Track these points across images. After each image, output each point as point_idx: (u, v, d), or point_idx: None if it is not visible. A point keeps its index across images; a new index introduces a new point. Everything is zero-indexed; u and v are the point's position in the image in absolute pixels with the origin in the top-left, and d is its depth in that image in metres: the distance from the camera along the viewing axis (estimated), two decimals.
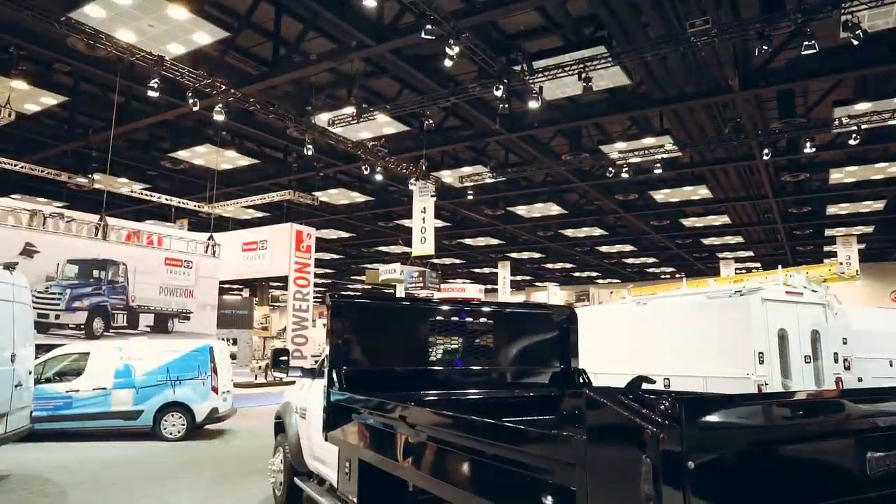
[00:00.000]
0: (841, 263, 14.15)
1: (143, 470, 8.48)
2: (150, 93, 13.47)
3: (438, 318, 5.42)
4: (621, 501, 1.92)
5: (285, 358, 6.05)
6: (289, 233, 21.26)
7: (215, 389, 11.01)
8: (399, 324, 5.33)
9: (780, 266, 13.93)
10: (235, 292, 36.57)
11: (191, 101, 14.03)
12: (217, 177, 22.73)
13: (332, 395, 4.70)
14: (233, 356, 26.36)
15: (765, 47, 10.68)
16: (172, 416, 10.80)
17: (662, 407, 1.85)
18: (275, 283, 33.56)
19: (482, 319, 5.58)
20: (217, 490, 7.39)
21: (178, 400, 10.79)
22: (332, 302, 5.04)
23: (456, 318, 5.48)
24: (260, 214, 28.35)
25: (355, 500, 4.33)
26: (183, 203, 22.33)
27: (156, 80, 13.36)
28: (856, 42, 10.13)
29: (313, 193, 23.22)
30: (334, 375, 4.74)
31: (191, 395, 10.86)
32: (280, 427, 6.88)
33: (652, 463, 1.81)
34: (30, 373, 8.08)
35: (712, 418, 1.98)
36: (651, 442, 1.83)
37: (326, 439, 4.74)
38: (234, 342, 29.02)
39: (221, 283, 25.40)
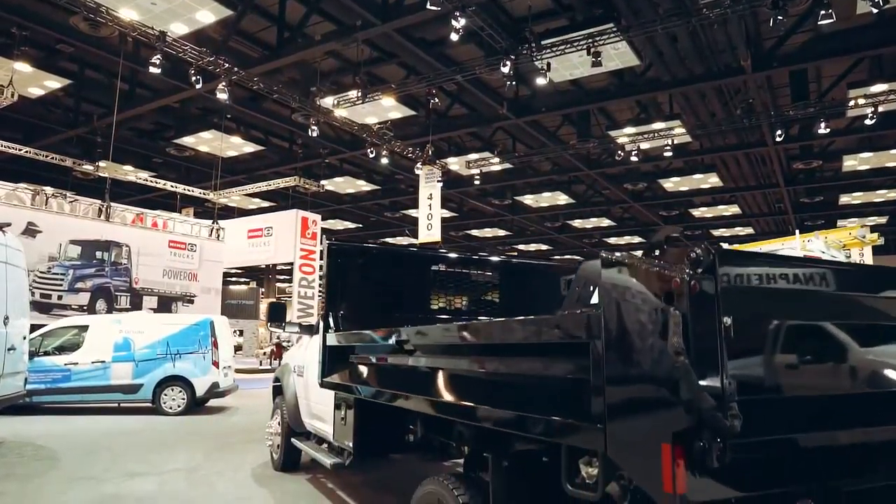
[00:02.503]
0: (863, 226, 13.75)
1: (139, 439, 8.29)
2: (153, 69, 13.31)
3: (441, 267, 5.19)
4: (644, 363, 1.66)
5: (283, 313, 5.85)
6: (294, 219, 21.09)
7: (216, 364, 10.81)
8: (399, 271, 5.11)
9: (797, 231, 13.62)
10: (242, 283, 36.48)
11: (193, 78, 13.82)
12: (222, 164, 22.59)
13: (329, 339, 4.48)
14: (239, 347, 26.26)
15: (779, 17, 10.35)
16: (172, 390, 10.60)
17: (694, 255, 1.60)
18: (281, 277, 33.42)
19: (486, 272, 5.35)
20: (213, 456, 7.19)
21: (178, 374, 10.60)
22: (329, 246, 4.84)
23: (459, 269, 5.26)
24: (265, 204, 28.23)
25: (351, 444, 4.11)
26: (188, 190, 22.19)
27: (158, 56, 13.19)
28: (875, 10, 9.79)
29: (320, 182, 23.04)
30: (330, 318, 4.52)
31: (191, 370, 10.66)
32: (278, 390, 6.67)
33: (682, 315, 1.56)
34: (24, 338, 7.90)
35: (753, 273, 1.72)
36: (680, 291, 1.58)
37: (322, 385, 4.51)
38: (241, 333, 28.89)
39: (227, 272, 25.29)
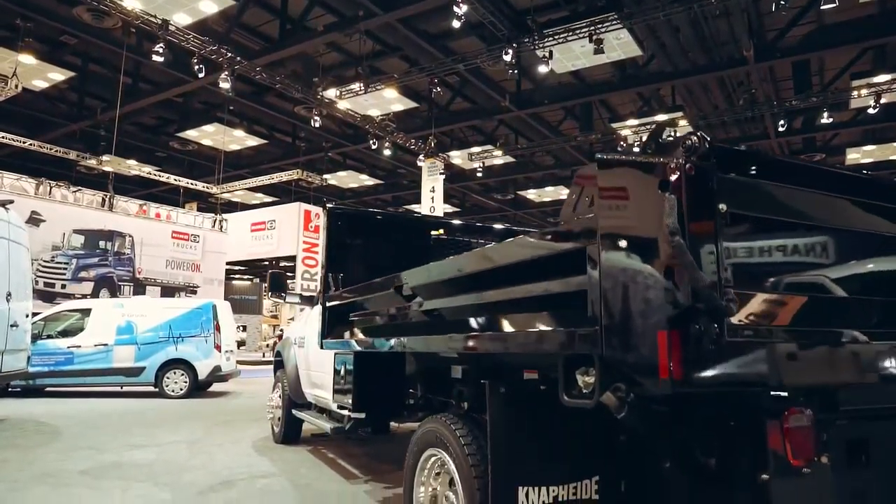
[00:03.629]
0: None
1: (141, 418, 8.31)
2: (156, 58, 13.34)
3: (441, 233, 5.19)
4: (640, 250, 1.65)
5: (283, 282, 5.86)
6: (297, 212, 21.11)
7: (218, 347, 10.83)
8: (399, 236, 5.11)
9: None
10: (245, 280, 36.50)
11: (196, 67, 13.85)
12: (225, 159, 22.63)
13: (328, 300, 4.48)
14: (242, 342, 26.28)
15: (782, 1, 10.33)
16: (175, 373, 10.62)
17: (689, 142, 1.59)
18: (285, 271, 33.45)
19: (488, 239, 5.35)
20: (214, 431, 7.20)
21: (180, 357, 10.62)
22: (329, 209, 4.85)
23: (460, 236, 5.26)
24: (268, 199, 28.27)
25: (350, 402, 4.11)
26: (191, 184, 22.23)
27: (161, 45, 13.22)
28: None
29: (322, 176, 23.07)
30: (330, 279, 4.53)
31: (193, 353, 10.68)
32: (279, 364, 6.68)
33: (676, 199, 1.55)
34: (27, 316, 7.91)
35: (750, 167, 1.72)
36: (675, 176, 1.57)
37: (322, 346, 4.52)
38: (244, 329, 28.91)
39: (230, 269, 25.29)
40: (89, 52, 17.05)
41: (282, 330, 23.32)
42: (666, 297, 1.57)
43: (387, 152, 19.14)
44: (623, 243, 1.70)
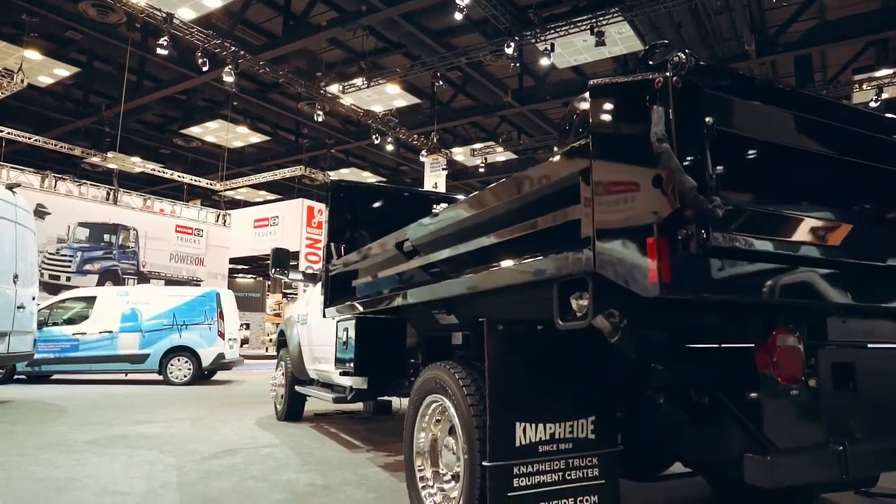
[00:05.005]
0: None
1: (146, 400, 8.39)
2: (160, 50, 13.47)
3: (444, 207, 5.25)
4: (629, 161, 1.72)
5: (287, 259, 5.93)
6: (300, 208, 21.21)
7: (222, 335, 10.92)
8: (401, 210, 5.17)
9: None
10: (249, 278, 36.61)
11: (200, 61, 13.97)
12: (228, 156, 22.76)
13: (331, 270, 4.56)
14: (245, 340, 26.36)
15: None
16: (179, 360, 10.71)
17: (676, 59, 1.66)
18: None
19: None
20: (218, 410, 7.28)
21: (184, 344, 10.72)
22: (332, 183, 4.95)
23: None
24: (272, 197, 28.40)
25: (353, 367, 4.17)
26: (195, 180, 22.36)
27: (165, 38, 13.35)
28: None
29: (325, 172, 23.18)
30: (332, 249, 4.61)
31: (197, 340, 10.77)
32: (282, 343, 6.75)
33: (664, 110, 1.62)
34: (33, 298, 8.00)
35: (736, 86, 1.79)
36: (662, 89, 1.64)
37: (325, 315, 4.59)
38: (247, 326, 28.97)
39: (234, 268, 25.37)
40: (94, 48, 17.19)
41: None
42: (655, 205, 1.64)
43: (389, 147, 19.24)
44: (615, 159, 1.77)
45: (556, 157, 2.08)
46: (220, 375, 11.87)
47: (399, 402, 6.10)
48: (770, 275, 1.80)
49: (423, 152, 19.51)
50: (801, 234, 1.83)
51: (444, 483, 2.87)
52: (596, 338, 2.45)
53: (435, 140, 19.33)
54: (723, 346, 2.22)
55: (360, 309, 3.90)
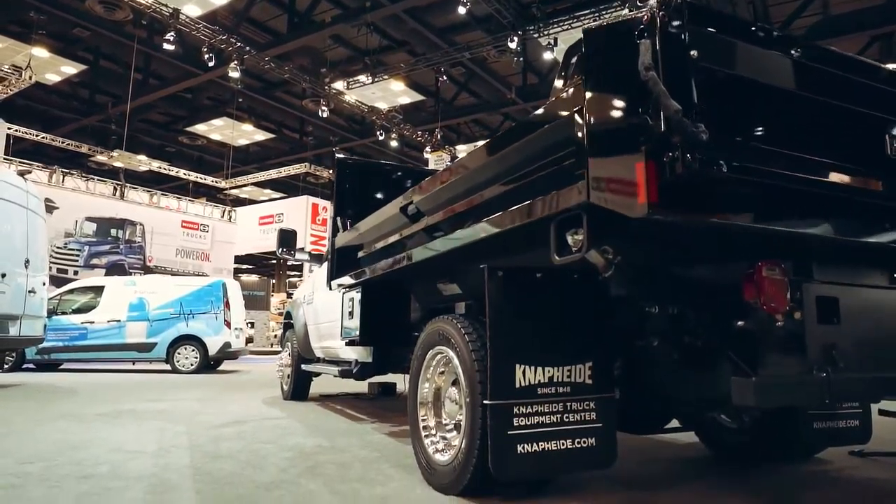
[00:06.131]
0: None
1: (154, 384, 8.50)
2: (167, 45, 13.63)
3: None
4: (618, 91, 1.82)
5: (293, 239, 6.05)
6: (305, 206, 21.36)
7: (228, 324, 11.06)
8: (403, 187, 5.28)
9: None
10: (254, 275, 36.80)
11: (206, 56, 14.14)
12: (233, 154, 22.95)
13: (337, 241, 4.67)
14: (250, 339, 26.50)
15: None
16: (186, 348, 10.86)
17: None
18: (291, 273, 33.71)
19: None
20: (226, 392, 7.39)
21: (191, 333, 10.86)
22: (339, 160, 5.07)
23: None
24: (277, 196, 28.56)
25: (358, 334, 4.28)
26: (201, 178, 22.55)
27: (172, 33, 13.51)
28: None
29: (331, 171, 23.34)
30: (338, 222, 4.72)
31: (204, 329, 10.91)
32: (288, 326, 6.87)
33: (651, 42, 1.73)
34: (44, 284, 8.14)
35: (722, 25, 1.89)
36: (649, 23, 1.75)
37: (330, 287, 4.71)
38: (252, 325, 29.08)
39: (238, 268, 25.51)
40: (100, 46, 17.40)
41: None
42: (643, 131, 1.74)
43: (394, 144, 19.37)
44: (607, 92, 1.88)
45: (553, 100, 2.19)
46: (225, 365, 12.00)
47: (403, 386, 6.21)
48: (753, 202, 1.90)
49: (427, 149, 19.63)
50: (783, 165, 1.93)
51: (447, 432, 2.97)
52: (592, 284, 2.57)
53: (438, 137, 19.46)
54: (710, 280, 2.32)
55: (368, 274, 4.00)
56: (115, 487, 2.76)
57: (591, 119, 1.91)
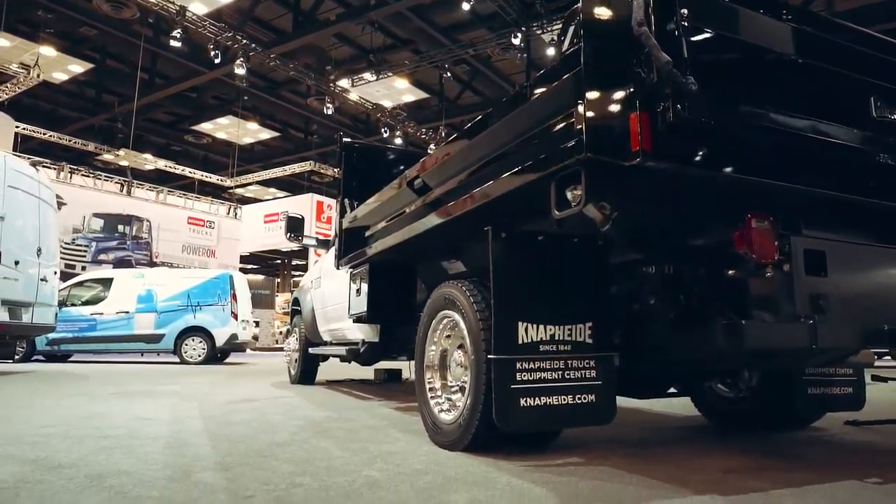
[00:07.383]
0: None
1: (163, 372, 8.64)
2: (173, 42, 13.79)
3: None
4: (614, 51, 1.94)
5: (300, 225, 6.18)
6: (310, 203, 21.50)
7: (235, 316, 11.20)
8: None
9: None
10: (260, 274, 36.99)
11: (212, 53, 14.30)
12: (238, 154, 23.12)
13: (345, 223, 4.79)
14: (255, 338, 26.70)
15: None
16: (193, 340, 11.01)
17: None
18: (295, 272, 33.92)
19: None
20: (234, 378, 7.52)
21: (198, 325, 11.01)
22: (345, 143, 5.19)
23: None
24: (281, 195, 28.72)
25: (365, 311, 4.39)
26: (206, 176, 22.72)
27: (178, 30, 13.68)
28: None
29: (336, 169, 23.49)
30: (346, 204, 4.84)
31: (211, 321, 11.06)
32: (296, 312, 6.98)
33: (644, 0, 1.85)
34: (55, 273, 8.28)
35: None
36: None
37: (338, 266, 4.83)
38: (257, 324, 29.23)
39: (243, 267, 25.66)
40: (107, 45, 17.59)
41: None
42: (637, 83, 1.86)
43: (398, 142, 19.49)
44: (604, 51, 2.00)
45: (554, 64, 2.30)
46: (233, 357, 12.15)
47: (409, 372, 6.32)
48: (741, 154, 2.01)
49: (431, 146, 19.73)
50: (769, 120, 2.04)
51: (452, 394, 3.09)
52: (591, 246, 2.69)
53: (443, 135, 19.58)
54: (703, 238, 2.43)
55: (376, 250, 4.11)
56: (134, 444, 2.89)
57: (589, 76, 2.02)
